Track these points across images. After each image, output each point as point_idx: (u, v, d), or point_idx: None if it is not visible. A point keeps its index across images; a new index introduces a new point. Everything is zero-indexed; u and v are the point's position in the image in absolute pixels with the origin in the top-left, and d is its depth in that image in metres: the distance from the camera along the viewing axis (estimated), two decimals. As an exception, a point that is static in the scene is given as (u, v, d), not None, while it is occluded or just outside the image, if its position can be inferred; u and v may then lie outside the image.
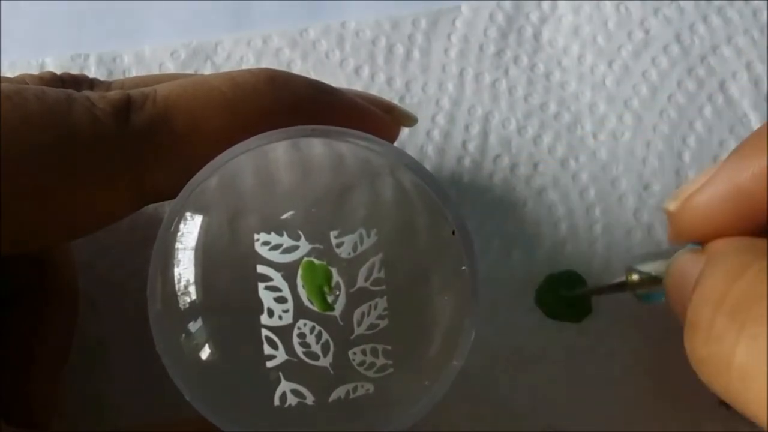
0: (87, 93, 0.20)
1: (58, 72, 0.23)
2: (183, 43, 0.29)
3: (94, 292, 0.27)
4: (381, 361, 0.20)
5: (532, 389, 0.27)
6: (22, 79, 0.22)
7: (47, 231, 0.20)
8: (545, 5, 0.30)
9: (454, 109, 0.29)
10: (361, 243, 0.20)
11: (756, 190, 0.19)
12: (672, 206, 0.22)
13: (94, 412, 0.26)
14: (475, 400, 0.27)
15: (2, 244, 0.19)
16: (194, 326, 0.19)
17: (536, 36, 0.29)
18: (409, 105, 0.29)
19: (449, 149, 0.29)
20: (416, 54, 0.29)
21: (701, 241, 0.21)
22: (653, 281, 0.24)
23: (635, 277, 0.24)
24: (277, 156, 0.21)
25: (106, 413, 0.26)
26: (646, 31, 0.30)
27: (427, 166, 0.28)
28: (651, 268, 0.24)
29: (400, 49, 0.29)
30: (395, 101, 0.28)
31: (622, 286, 0.25)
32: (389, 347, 0.20)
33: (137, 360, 0.26)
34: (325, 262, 0.19)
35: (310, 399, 0.19)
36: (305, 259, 0.19)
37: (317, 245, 0.19)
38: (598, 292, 0.27)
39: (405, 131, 0.28)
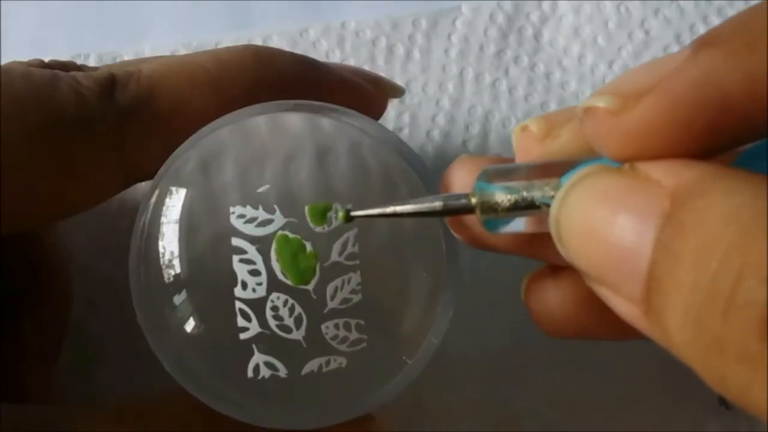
0: (73, 73, 0.20)
1: None
2: (183, 43, 0.29)
3: (93, 293, 0.27)
4: (354, 335, 0.20)
5: (532, 389, 0.27)
6: (9, 66, 0.22)
7: (37, 209, 0.20)
8: (545, 5, 0.30)
9: (454, 109, 0.29)
10: (336, 217, 0.20)
11: (746, 100, 0.13)
12: (606, 103, 0.14)
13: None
14: (476, 400, 0.27)
15: None
16: (178, 299, 0.20)
17: (536, 36, 0.29)
18: (409, 105, 0.29)
19: (449, 149, 0.29)
20: (416, 54, 0.29)
21: (628, 158, 0.15)
22: (527, 207, 0.16)
23: (502, 198, 0.16)
24: (256, 130, 0.21)
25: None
26: (647, 32, 0.30)
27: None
28: (519, 187, 0.16)
29: (400, 49, 0.29)
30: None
31: (467, 209, 0.17)
32: (362, 322, 0.20)
33: (136, 360, 0.26)
34: (299, 236, 0.19)
35: (283, 372, 0.20)
36: (280, 232, 0.19)
37: (292, 219, 0.20)
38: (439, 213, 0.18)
39: (405, 131, 0.28)
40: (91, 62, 0.29)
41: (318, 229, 0.20)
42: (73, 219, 0.25)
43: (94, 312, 0.27)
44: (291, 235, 0.20)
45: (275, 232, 0.19)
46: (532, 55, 0.29)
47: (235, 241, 0.19)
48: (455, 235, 0.20)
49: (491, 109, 0.29)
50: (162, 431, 0.20)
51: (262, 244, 0.19)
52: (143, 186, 0.25)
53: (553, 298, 0.19)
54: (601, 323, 0.19)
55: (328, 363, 0.20)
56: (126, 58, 0.29)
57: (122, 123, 0.20)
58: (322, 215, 0.20)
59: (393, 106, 0.28)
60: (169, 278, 0.20)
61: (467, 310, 0.27)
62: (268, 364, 0.20)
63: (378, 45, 0.29)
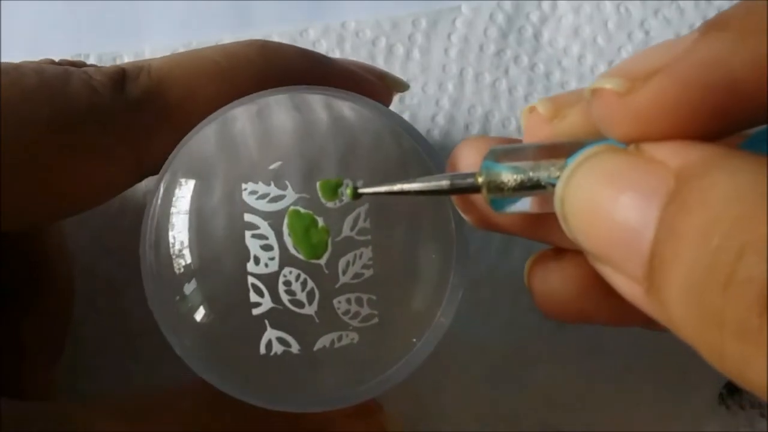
0: (84, 68, 0.21)
1: None
2: (183, 43, 0.29)
3: (94, 293, 0.27)
4: (366, 310, 0.20)
5: (532, 389, 0.27)
6: (21, 63, 0.22)
7: (48, 204, 0.20)
8: (545, 5, 0.30)
9: (454, 109, 0.29)
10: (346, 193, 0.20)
11: (754, 83, 0.14)
12: (614, 85, 0.15)
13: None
14: (476, 400, 0.27)
15: (3, 218, 0.19)
16: (190, 279, 0.20)
17: (536, 36, 0.29)
18: (409, 105, 0.29)
19: (449, 149, 0.29)
20: (416, 54, 0.29)
21: (634, 139, 0.15)
22: (533, 187, 0.17)
23: (508, 178, 0.17)
24: (267, 110, 0.21)
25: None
26: (646, 32, 0.30)
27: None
28: (525, 167, 0.17)
29: (400, 49, 0.29)
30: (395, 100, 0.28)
31: (474, 188, 0.18)
32: (374, 297, 0.20)
33: (136, 360, 0.26)
34: (311, 212, 0.20)
35: (295, 347, 0.20)
36: (292, 207, 0.20)
37: (304, 195, 0.20)
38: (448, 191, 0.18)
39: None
40: (92, 62, 0.29)
41: (329, 204, 0.20)
42: (75, 219, 0.25)
43: (94, 312, 0.27)
44: (303, 211, 0.20)
45: (287, 207, 0.20)
46: (532, 55, 0.29)
47: (248, 217, 0.20)
48: (463, 216, 0.20)
49: (491, 109, 0.29)
50: (166, 430, 0.20)
51: (274, 219, 0.20)
52: (144, 186, 0.25)
53: (555, 280, 0.19)
54: (602, 307, 0.19)
55: (340, 338, 0.20)
56: (126, 58, 0.29)
57: (133, 115, 0.20)
58: (333, 191, 0.20)
59: (393, 105, 0.28)
60: (180, 260, 0.20)
61: (467, 311, 0.27)
62: (280, 340, 0.20)
63: (378, 45, 0.29)
